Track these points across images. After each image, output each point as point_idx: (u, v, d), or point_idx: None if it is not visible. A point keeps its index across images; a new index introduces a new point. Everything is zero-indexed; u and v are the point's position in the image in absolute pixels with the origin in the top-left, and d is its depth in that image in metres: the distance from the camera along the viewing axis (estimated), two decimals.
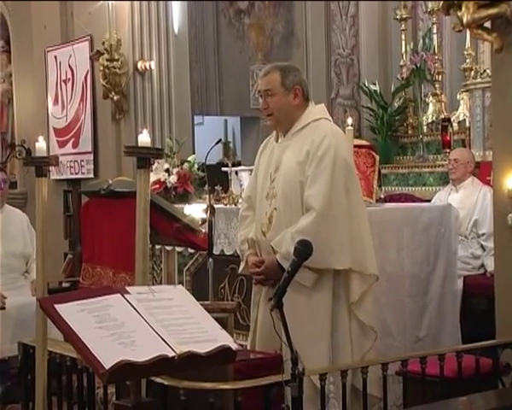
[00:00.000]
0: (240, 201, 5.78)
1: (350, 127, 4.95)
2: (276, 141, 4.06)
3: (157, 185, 6.57)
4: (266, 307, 3.68)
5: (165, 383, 3.29)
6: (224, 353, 2.72)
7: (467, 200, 6.31)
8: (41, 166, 3.86)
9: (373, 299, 4.03)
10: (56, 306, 2.67)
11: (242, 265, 4.11)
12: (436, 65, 8.20)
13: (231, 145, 11.45)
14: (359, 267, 3.85)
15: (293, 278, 2.97)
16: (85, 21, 8.22)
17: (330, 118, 4.10)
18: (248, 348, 4.12)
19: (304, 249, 3.03)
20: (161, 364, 2.59)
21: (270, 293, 3.33)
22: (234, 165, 6.13)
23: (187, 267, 5.95)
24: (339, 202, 3.80)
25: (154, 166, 6.47)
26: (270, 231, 3.91)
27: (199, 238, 4.26)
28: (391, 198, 6.98)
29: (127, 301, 2.76)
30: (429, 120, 8.37)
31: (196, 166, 6.85)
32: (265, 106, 3.97)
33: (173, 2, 8.14)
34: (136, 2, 7.87)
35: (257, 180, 4.12)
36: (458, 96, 8.18)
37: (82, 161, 8.46)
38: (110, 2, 7.60)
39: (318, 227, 3.74)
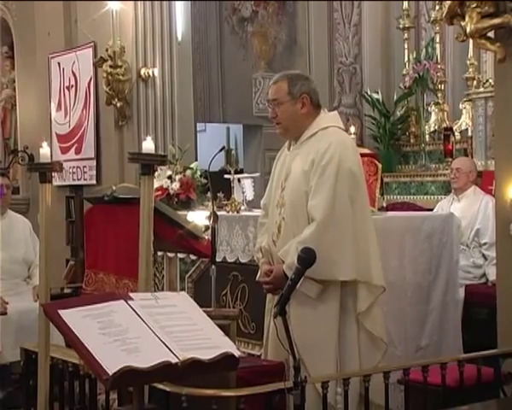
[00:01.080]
0: (242, 208, 5.80)
1: (353, 136, 4.97)
2: (289, 149, 4.06)
3: (159, 192, 6.58)
4: None
5: (168, 389, 3.30)
6: (226, 360, 2.73)
7: (469, 209, 6.31)
8: (45, 172, 3.87)
9: (382, 310, 3.98)
10: (60, 311, 2.68)
11: (259, 273, 4.09)
12: (439, 74, 8.23)
13: (233, 153, 11.44)
14: (365, 278, 3.81)
15: (296, 285, 2.98)
16: (89, 28, 8.23)
17: (342, 125, 4.06)
18: (262, 354, 4.11)
19: (307, 257, 3.05)
20: (164, 370, 2.59)
21: None
22: (236, 172, 6.14)
23: (189, 274, 5.95)
24: (342, 212, 3.76)
25: (156, 173, 6.49)
26: (278, 240, 3.91)
27: (202, 245, 4.26)
28: (393, 207, 7.00)
29: (131, 307, 2.77)
30: (431, 129, 8.40)
31: (199, 173, 6.86)
32: (274, 115, 3.96)
33: (177, 10, 8.14)
34: (140, 10, 7.87)
35: (272, 188, 4.11)
36: (460, 106, 8.20)
37: (84, 167, 8.47)
38: (114, 9, 7.61)
39: (319, 238, 3.71)
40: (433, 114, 8.44)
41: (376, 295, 3.87)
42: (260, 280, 3.98)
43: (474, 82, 7.73)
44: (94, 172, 8.34)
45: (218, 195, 5.96)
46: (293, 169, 3.93)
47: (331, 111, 4.19)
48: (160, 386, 3.28)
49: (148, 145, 3.40)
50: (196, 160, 7.79)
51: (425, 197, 7.83)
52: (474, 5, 4.34)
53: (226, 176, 6.07)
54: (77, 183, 8.60)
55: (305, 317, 3.78)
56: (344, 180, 3.79)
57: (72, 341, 2.63)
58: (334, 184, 3.76)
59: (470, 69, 7.98)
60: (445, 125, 8.17)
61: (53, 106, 8.91)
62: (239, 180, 6.06)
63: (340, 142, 3.90)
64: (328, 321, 3.80)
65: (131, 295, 2.86)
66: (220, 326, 2.93)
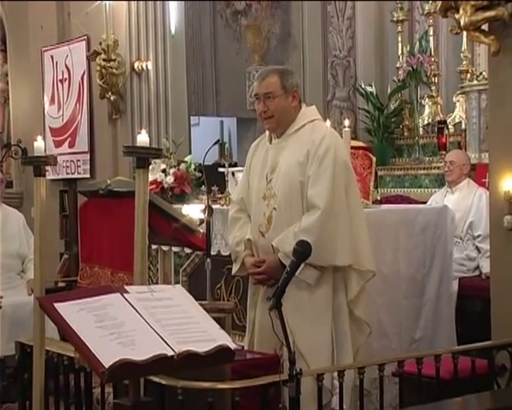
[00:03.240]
0: None
1: (347, 129, 4.96)
2: (270, 142, 4.08)
3: (154, 186, 6.57)
4: (264, 308, 3.69)
5: (163, 382, 3.30)
6: (222, 352, 2.73)
7: (462, 202, 6.32)
8: (39, 165, 3.86)
9: (367, 296, 4.07)
10: (56, 305, 2.68)
11: (237, 266, 4.11)
12: (432, 67, 8.23)
13: (227, 146, 11.46)
14: (358, 264, 3.91)
15: (291, 278, 2.99)
16: (82, 21, 8.22)
17: (322, 119, 4.16)
18: (246, 348, 4.13)
19: (302, 250, 3.06)
20: (160, 363, 2.60)
21: (269, 293, 3.35)
22: (230, 166, 6.14)
23: (183, 268, 5.95)
24: (340, 200, 3.85)
25: (150, 167, 6.47)
26: (269, 231, 3.93)
27: (197, 238, 4.27)
28: (387, 200, 7.00)
29: (126, 300, 2.77)
30: (425, 122, 8.39)
31: (193, 166, 6.86)
32: (265, 109, 3.98)
33: (170, 2, 8.14)
34: (133, 2, 7.87)
35: (249, 182, 4.13)
36: (454, 99, 8.20)
37: (78, 160, 8.46)
38: (107, 2, 7.60)
39: (323, 225, 3.79)
40: (426, 107, 8.44)
41: (366, 279, 3.97)
42: (251, 271, 3.99)
43: (468, 75, 7.72)
44: (87, 166, 8.34)
45: (213, 188, 5.95)
46: (281, 161, 3.96)
47: (310, 106, 4.23)
48: (156, 379, 3.28)
49: (143, 138, 3.40)
50: (190, 153, 7.79)
51: (419, 190, 7.84)
52: None
53: (220, 169, 6.07)
54: (70, 176, 8.60)
55: (300, 303, 3.82)
56: (341, 170, 3.88)
57: (68, 334, 2.63)
58: (332, 173, 3.84)
59: (464, 62, 7.97)
60: (438, 118, 8.16)
61: (46, 99, 8.89)
62: (233, 174, 6.06)
63: (333, 134, 4.03)
64: (323, 306, 3.88)
65: (127, 288, 2.86)
66: (215, 319, 2.93)
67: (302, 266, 3.64)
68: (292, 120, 4.00)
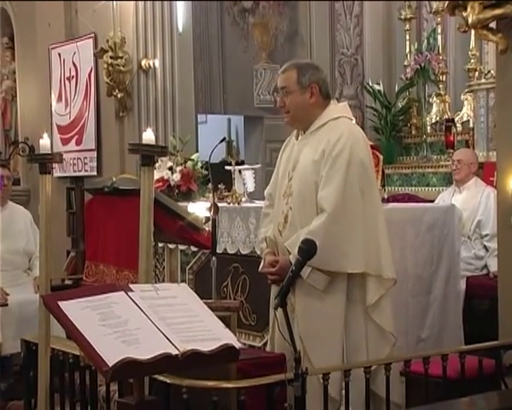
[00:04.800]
0: (243, 199, 5.79)
1: None
2: (297, 139, 4.01)
3: (160, 183, 6.58)
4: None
5: (168, 381, 3.29)
6: (227, 351, 2.72)
7: (470, 201, 6.31)
8: (45, 163, 3.86)
9: (391, 303, 3.90)
10: (60, 303, 2.67)
11: (262, 263, 4.04)
12: (440, 65, 8.21)
13: (234, 144, 11.45)
14: (376, 271, 3.75)
15: (296, 277, 2.97)
16: (90, 19, 8.22)
17: (352, 116, 4.02)
18: (268, 346, 4.07)
19: (307, 249, 3.03)
20: (165, 362, 2.59)
21: None
22: (237, 164, 6.13)
23: (189, 266, 5.95)
24: (353, 203, 3.72)
25: (157, 165, 6.48)
26: (285, 230, 3.85)
27: (202, 237, 4.24)
28: (394, 198, 6.98)
29: (131, 298, 2.76)
30: (433, 121, 8.38)
31: (200, 164, 6.85)
32: (282, 104, 3.92)
33: (178, 1, 8.13)
34: (140, 0, 7.86)
35: (278, 177, 4.06)
36: (462, 97, 8.18)
37: (85, 158, 8.46)
38: (114, 1, 7.60)
39: (329, 229, 3.67)
40: (434, 105, 8.42)
41: (387, 287, 3.81)
42: (265, 271, 3.92)
43: (476, 73, 7.70)
44: (94, 164, 8.34)
45: (219, 186, 5.95)
46: (301, 159, 3.88)
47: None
48: (161, 378, 3.27)
49: (148, 136, 3.38)
50: (197, 151, 7.78)
51: (426, 189, 7.82)
52: None
53: (227, 167, 6.07)
54: (77, 174, 8.60)
55: (311, 309, 3.74)
56: (355, 171, 3.74)
57: (72, 332, 2.62)
58: (345, 175, 3.72)
59: (472, 60, 7.95)
60: (446, 116, 8.14)
61: (53, 97, 8.90)
62: (240, 172, 6.05)
63: (352, 133, 3.85)
64: (335, 314, 3.75)
65: (131, 286, 2.85)
66: (221, 318, 2.92)
67: (310, 270, 3.62)
68: (313, 116, 3.89)
